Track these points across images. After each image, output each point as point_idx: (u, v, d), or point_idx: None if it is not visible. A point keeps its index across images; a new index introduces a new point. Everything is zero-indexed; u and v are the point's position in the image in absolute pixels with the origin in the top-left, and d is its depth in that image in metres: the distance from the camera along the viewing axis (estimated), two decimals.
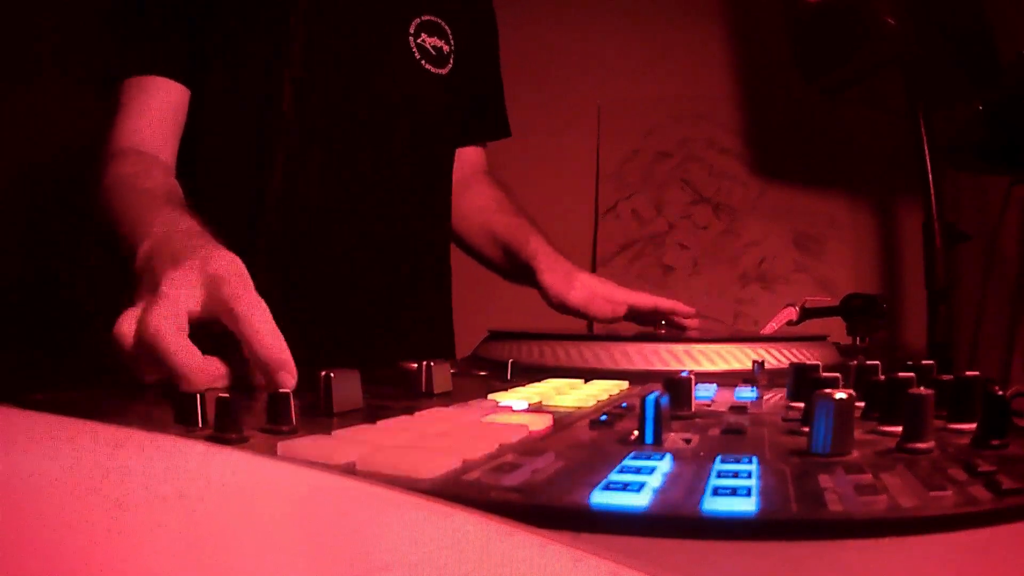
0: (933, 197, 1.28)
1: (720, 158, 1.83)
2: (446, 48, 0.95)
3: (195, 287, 0.49)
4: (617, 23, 1.87)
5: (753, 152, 1.81)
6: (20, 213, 1.57)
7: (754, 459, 0.28)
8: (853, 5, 1.26)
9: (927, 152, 1.29)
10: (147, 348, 0.47)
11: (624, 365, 0.62)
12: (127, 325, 0.49)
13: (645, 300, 0.93)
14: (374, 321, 0.89)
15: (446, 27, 0.95)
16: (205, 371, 0.47)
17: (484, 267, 1.08)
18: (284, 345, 0.48)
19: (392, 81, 0.89)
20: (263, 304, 0.49)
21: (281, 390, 0.45)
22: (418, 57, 0.91)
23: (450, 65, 0.95)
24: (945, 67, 1.27)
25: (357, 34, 0.87)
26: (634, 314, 0.95)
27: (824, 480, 0.26)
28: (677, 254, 1.81)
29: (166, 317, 0.47)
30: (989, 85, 1.20)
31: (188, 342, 0.47)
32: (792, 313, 0.90)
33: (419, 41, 0.91)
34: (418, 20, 0.92)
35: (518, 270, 0.99)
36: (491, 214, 1.03)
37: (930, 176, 1.29)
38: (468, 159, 1.07)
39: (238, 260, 0.52)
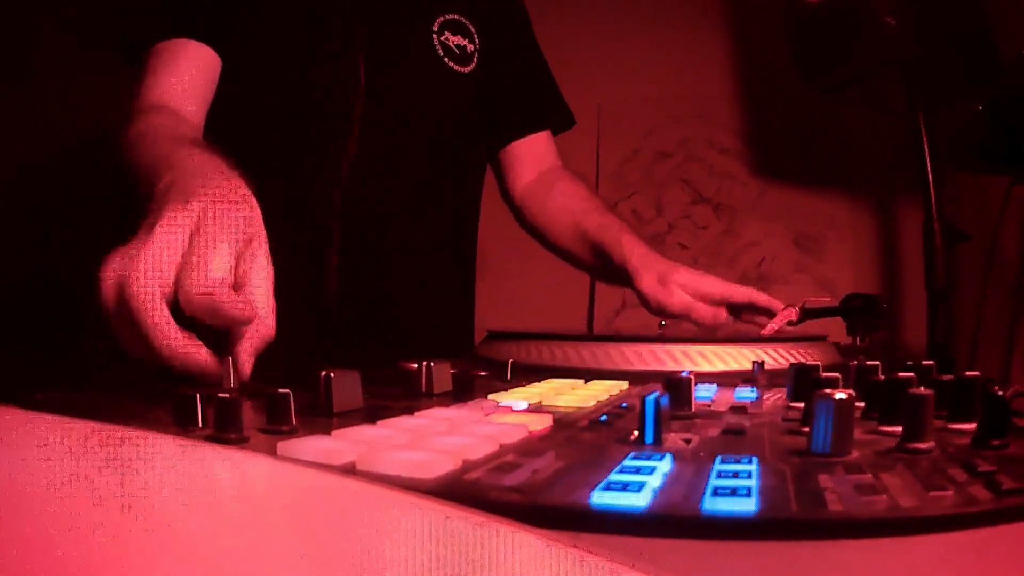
0: (933, 197, 1.28)
1: (720, 158, 1.83)
2: (470, 47, 0.95)
3: (185, 234, 0.47)
4: (617, 23, 1.87)
5: (753, 152, 1.81)
6: (20, 213, 1.57)
7: (754, 459, 0.28)
8: (853, 5, 1.26)
9: (927, 152, 1.30)
10: (124, 306, 0.45)
11: (624, 365, 0.62)
12: (112, 273, 0.46)
13: (741, 294, 0.88)
14: (395, 319, 0.89)
15: (470, 26, 0.95)
16: (176, 341, 0.45)
17: (577, 269, 1.05)
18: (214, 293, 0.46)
19: (416, 78, 0.90)
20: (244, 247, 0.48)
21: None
22: (442, 54, 0.91)
23: (474, 64, 0.95)
24: (945, 67, 1.27)
25: (383, 31, 0.87)
26: (733, 310, 0.90)
27: (824, 480, 0.26)
28: (677, 254, 1.81)
29: (148, 277, 0.45)
30: (989, 85, 1.20)
31: (163, 306, 0.45)
32: (792, 313, 0.90)
33: (443, 39, 0.92)
34: (442, 19, 0.93)
35: (613, 273, 0.96)
36: (580, 215, 1.00)
37: (930, 176, 1.29)
38: (538, 154, 1.06)
39: (248, 204, 0.51)
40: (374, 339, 0.86)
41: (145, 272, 0.45)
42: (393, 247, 0.89)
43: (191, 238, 0.47)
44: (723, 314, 0.88)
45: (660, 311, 0.89)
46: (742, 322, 0.90)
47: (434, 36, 0.91)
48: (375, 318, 0.87)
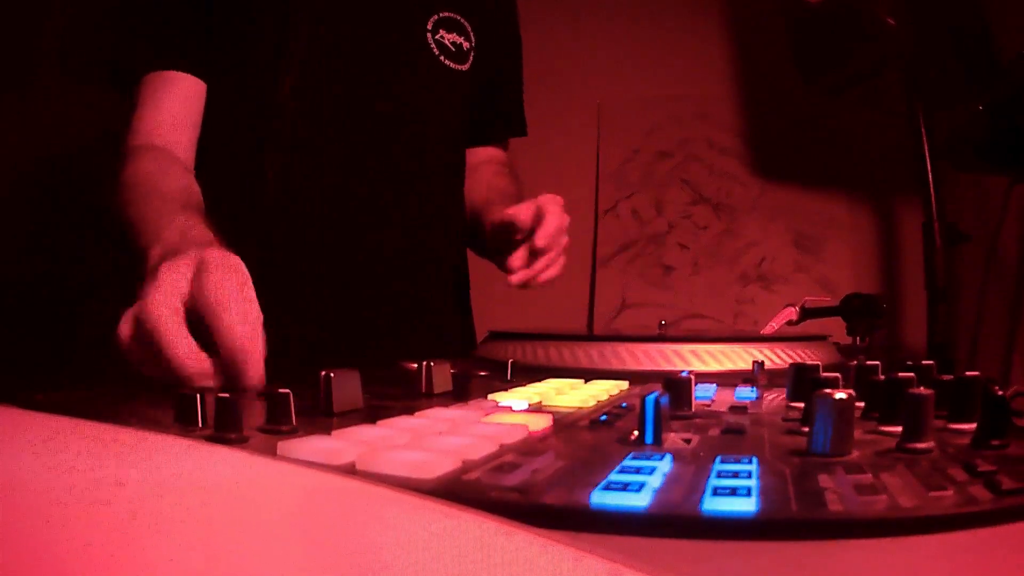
0: (933, 197, 1.28)
1: (720, 158, 1.83)
2: (466, 44, 0.95)
3: (188, 273, 0.50)
4: (617, 23, 1.87)
5: (753, 152, 1.81)
6: (21, 213, 1.57)
7: (754, 459, 0.28)
8: (853, 5, 1.26)
9: (927, 152, 1.30)
10: (146, 337, 0.48)
11: (624, 365, 0.62)
12: (127, 323, 0.50)
13: (515, 215, 0.80)
14: (390, 323, 0.89)
15: (465, 23, 0.95)
16: (200, 364, 0.47)
17: (479, 256, 1.04)
18: (252, 336, 0.48)
19: (410, 77, 0.89)
20: (241, 296, 0.49)
21: (246, 384, 0.45)
22: (437, 53, 0.91)
23: (471, 61, 0.95)
24: (945, 67, 1.27)
25: (373, 31, 0.87)
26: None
27: (824, 480, 0.26)
28: (677, 254, 1.81)
29: (163, 304, 0.48)
30: (989, 85, 1.20)
31: (185, 331, 0.48)
32: (792, 313, 0.90)
33: (437, 37, 0.92)
34: (436, 16, 0.92)
35: (480, 239, 0.94)
36: (474, 195, 1.00)
37: (930, 176, 1.29)
38: (484, 155, 1.07)
39: (236, 257, 0.53)
40: (375, 340, 0.86)
41: (159, 297, 0.48)
42: (395, 246, 0.89)
43: (198, 273, 0.49)
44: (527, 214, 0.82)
45: (500, 230, 0.84)
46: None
47: (428, 35, 0.91)
48: (377, 317, 0.87)
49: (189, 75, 0.82)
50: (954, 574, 0.21)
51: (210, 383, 0.48)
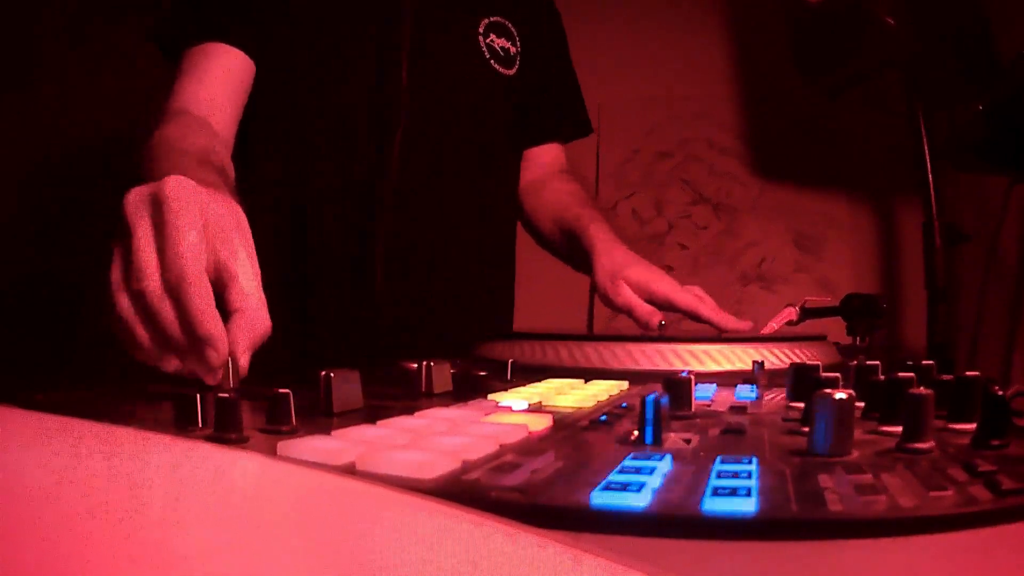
0: (933, 197, 1.28)
1: (720, 158, 1.83)
2: (513, 49, 0.96)
3: (199, 227, 0.47)
4: (617, 23, 1.87)
5: (753, 152, 1.81)
6: (22, 213, 1.57)
7: (754, 459, 0.28)
8: (853, 5, 1.26)
9: (927, 152, 1.30)
10: (169, 279, 0.45)
11: (624, 365, 0.62)
12: (118, 273, 0.47)
13: (684, 301, 0.87)
14: (440, 316, 0.89)
15: (512, 29, 0.96)
16: (219, 328, 0.45)
17: (563, 263, 1.08)
18: (262, 298, 0.48)
19: (463, 80, 0.90)
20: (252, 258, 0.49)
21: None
22: (487, 56, 0.92)
23: (516, 66, 0.96)
24: (945, 67, 1.27)
25: (428, 31, 0.87)
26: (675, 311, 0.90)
27: (824, 480, 0.26)
28: (677, 254, 1.81)
29: (194, 246, 0.46)
30: (989, 85, 1.20)
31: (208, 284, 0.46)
32: (792, 313, 0.90)
33: (488, 41, 0.92)
34: (487, 20, 0.93)
35: (581, 259, 0.99)
36: (562, 207, 1.03)
37: (930, 176, 1.29)
38: (545, 159, 1.08)
39: (242, 214, 0.52)
40: (419, 334, 0.87)
41: (192, 231, 0.46)
42: (438, 244, 0.89)
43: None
44: (658, 317, 0.88)
45: (606, 304, 0.93)
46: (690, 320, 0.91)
47: (480, 38, 0.92)
48: (421, 314, 0.88)
49: (237, 51, 0.81)
50: (954, 574, 0.21)
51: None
